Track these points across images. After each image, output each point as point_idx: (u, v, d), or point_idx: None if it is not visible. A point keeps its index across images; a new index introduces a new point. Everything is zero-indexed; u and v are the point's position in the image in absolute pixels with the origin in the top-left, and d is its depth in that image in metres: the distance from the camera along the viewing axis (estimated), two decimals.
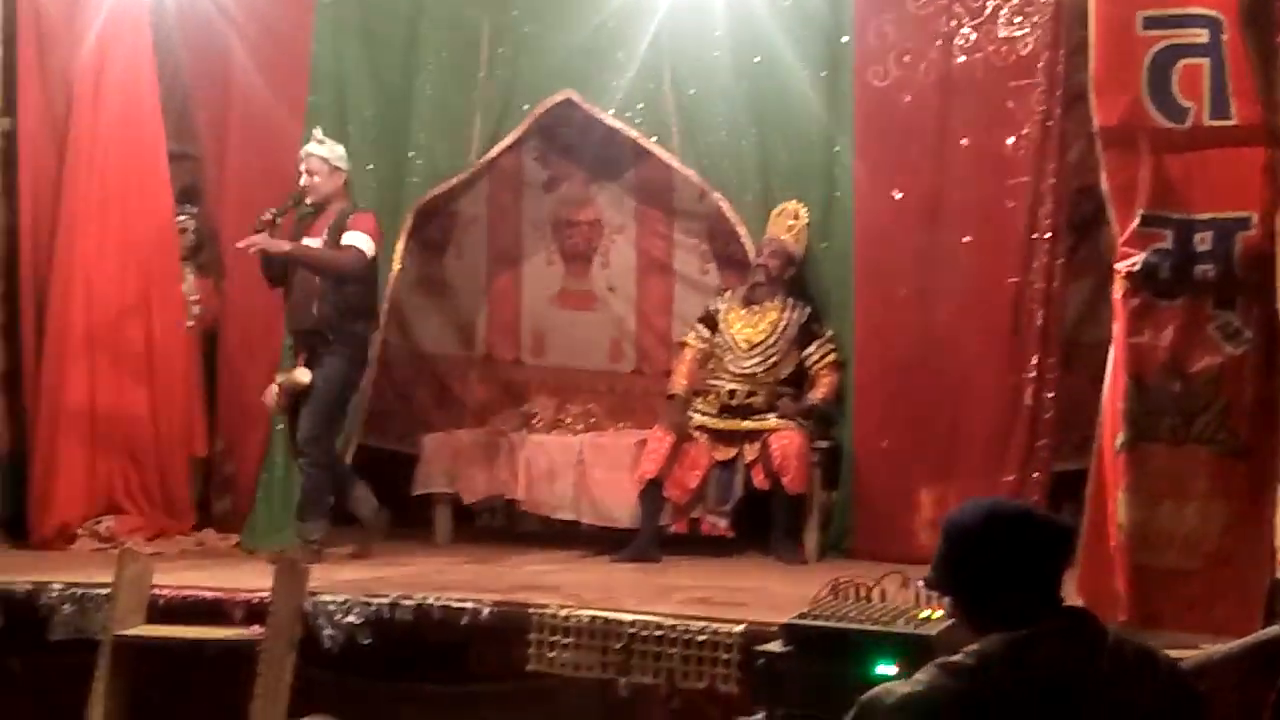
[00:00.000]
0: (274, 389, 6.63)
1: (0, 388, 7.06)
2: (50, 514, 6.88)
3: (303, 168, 6.59)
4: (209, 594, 5.57)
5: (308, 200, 6.61)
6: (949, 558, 2.85)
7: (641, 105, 6.96)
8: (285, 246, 6.50)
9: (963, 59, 6.54)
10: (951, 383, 6.52)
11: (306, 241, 6.57)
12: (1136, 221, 4.69)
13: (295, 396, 6.57)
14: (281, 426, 6.89)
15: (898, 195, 6.66)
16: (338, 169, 6.61)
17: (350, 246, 6.48)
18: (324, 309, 6.51)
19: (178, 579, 5.72)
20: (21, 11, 7.04)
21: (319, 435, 6.51)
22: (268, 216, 6.49)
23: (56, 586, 5.63)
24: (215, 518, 7.37)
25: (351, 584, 5.65)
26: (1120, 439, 4.66)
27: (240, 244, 6.58)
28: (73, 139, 7.08)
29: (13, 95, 7.08)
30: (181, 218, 7.42)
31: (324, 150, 6.61)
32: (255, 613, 5.32)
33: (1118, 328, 4.75)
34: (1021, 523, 2.85)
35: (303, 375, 6.53)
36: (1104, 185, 4.98)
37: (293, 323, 6.69)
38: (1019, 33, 6.45)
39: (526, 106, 7.09)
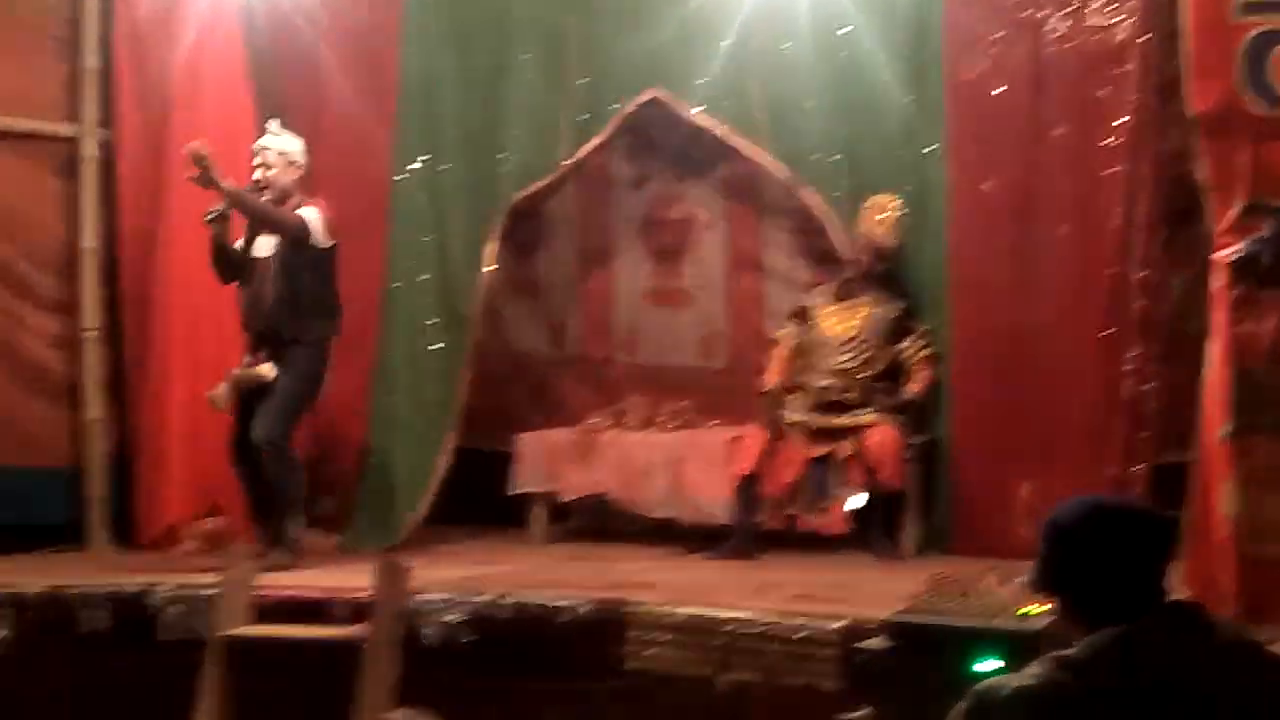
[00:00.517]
0: (224, 386, 6.46)
1: (104, 392, 7.19)
2: (156, 516, 7.02)
3: (257, 160, 6.50)
4: (312, 594, 5.64)
5: (264, 195, 6.49)
6: (1050, 558, 2.84)
7: (728, 102, 6.95)
8: (230, 184, 6.28)
9: (1054, 49, 6.45)
10: (1049, 376, 6.45)
11: (260, 242, 6.48)
12: (1235, 210, 4.63)
13: (250, 394, 6.41)
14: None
15: (990, 188, 6.59)
16: (294, 163, 6.51)
17: (298, 215, 6.34)
18: (279, 307, 6.40)
19: (282, 579, 5.80)
20: (118, 23, 7.18)
21: (283, 433, 6.36)
22: (214, 214, 6.37)
23: (164, 587, 5.73)
24: (318, 518, 7.46)
25: (452, 583, 5.70)
26: (1224, 430, 4.61)
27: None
28: (169, 147, 7.18)
29: (110, 106, 7.22)
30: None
31: (280, 143, 6.51)
32: (358, 612, 5.38)
33: (1219, 318, 4.70)
34: (1122, 519, 2.83)
35: (268, 370, 6.38)
36: (1201, 174, 4.92)
37: (248, 321, 6.54)
38: (1111, 21, 6.35)
39: (614, 106, 7.10)
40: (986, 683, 2.75)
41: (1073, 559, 2.80)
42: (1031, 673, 2.68)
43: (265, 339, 6.50)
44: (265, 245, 6.52)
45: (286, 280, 6.43)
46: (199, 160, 6.13)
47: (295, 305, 6.44)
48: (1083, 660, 2.66)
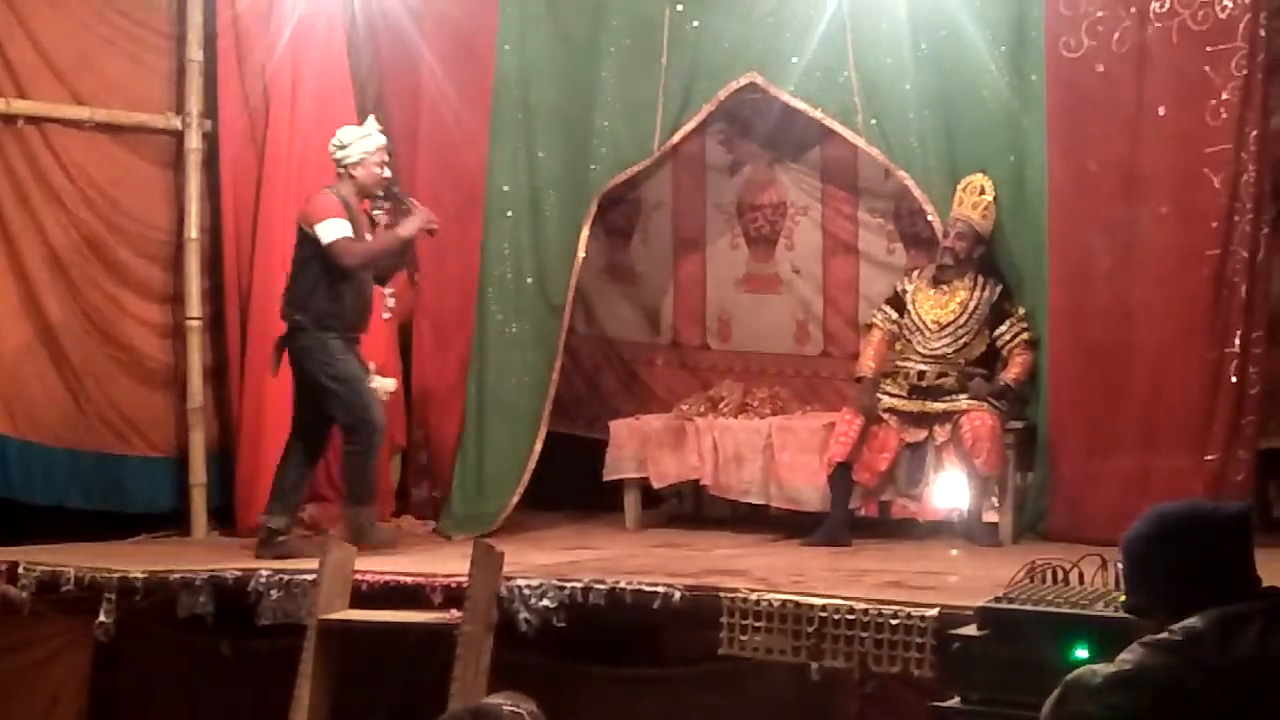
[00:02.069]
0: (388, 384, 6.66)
1: (208, 383, 7.32)
2: (257, 504, 7.11)
3: (380, 159, 6.51)
4: (409, 579, 5.69)
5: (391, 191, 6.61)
6: (1135, 574, 2.83)
7: (825, 85, 6.88)
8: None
9: (1157, 25, 6.32)
10: (1150, 360, 6.32)
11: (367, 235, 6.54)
12: None
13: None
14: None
15: (1092, 168, 6.48)
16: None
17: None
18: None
19: (379, 565, 5.85)
20: (220, 17, 7.28)
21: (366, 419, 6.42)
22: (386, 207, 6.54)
23: (264, 573, 5.80)
24: (413, 504, 7.54)
25: (545, 568, 5.73)
26: None
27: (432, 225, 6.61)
28: (270, 139, 7.30)
29: (213, 98, 7.33)
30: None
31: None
32: (453, 597, 5.42)
33: None
34: (1192, 520, 2.81)
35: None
36: None
37: (360, 324, 6.56)
38: None
39: (709, 90, 7.08)
40: (1078, 672, 2.73)
41: (1155, 568, 2.79)
42: (1124, 658, 2.67)
43: (358, 340, 6.60)
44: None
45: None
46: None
47: None
48: (1179, 642, 2.63)
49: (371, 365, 6.66)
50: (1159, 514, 2.87)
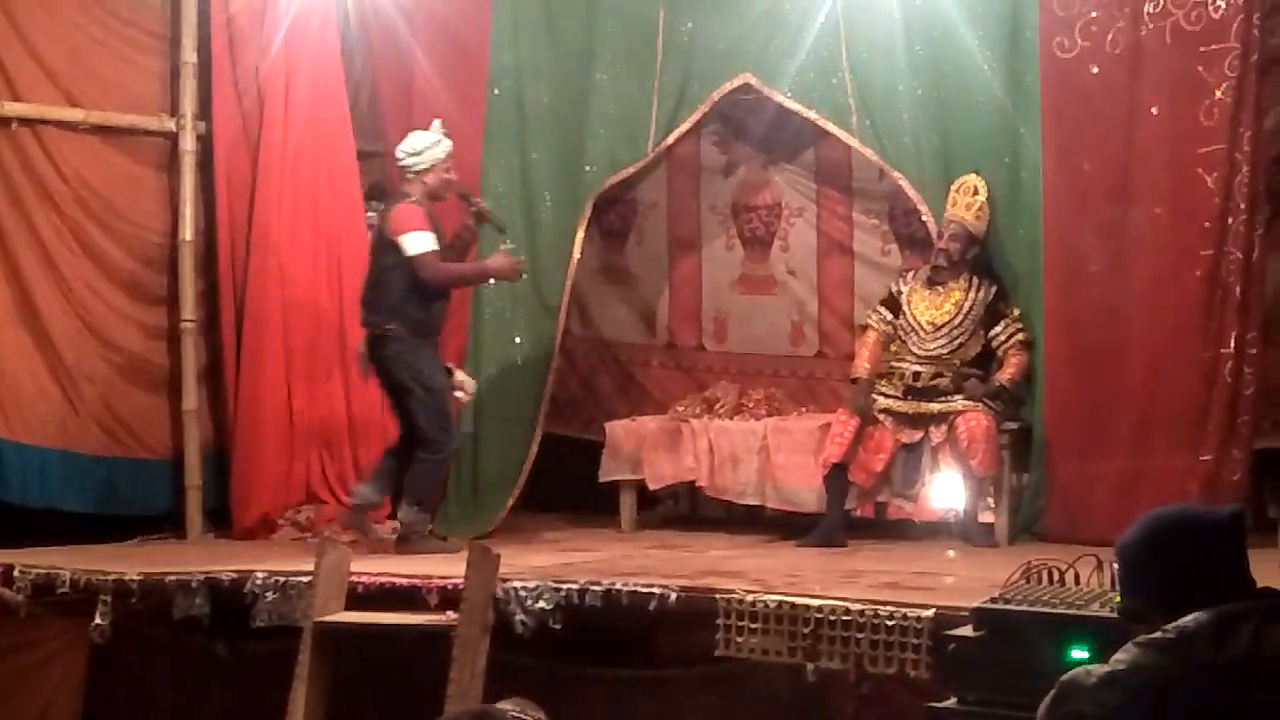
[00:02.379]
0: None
1: (202, 383, 7.31)
2: (252, 505, 7.13)
3: (450, 164, 6.58)
4: (405, 581, 5.67)
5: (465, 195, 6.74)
6: (1129, 580, 2.85)
7: (819, 86, 6.90)
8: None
9: (1151, 26, 6.32)
10: (1145, 360, 6.33)
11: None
12: None
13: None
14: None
15: (1086, 168, 6.48)
16: None
17: None
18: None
19: (375, 566, 5.85)
20: (214, 19, 7.27)
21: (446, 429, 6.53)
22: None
23: (260, 575, 5.78)
24: None
25: (541, 570, 5.72)
26: None
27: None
28: (264, 140, 7.30)
29: (207, 99, 7.32)
30: (370, 214, 7.60)
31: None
32: (449, 599, 5.41)
33: None
34: (1184, 524, 2.83)
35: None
36: None
37: (441, 329, 6.69)
38: None
39: (704, 91, 7.09)
40: (1073, 672, 2.75)
41: (1149, 573, 2.82)
42: (1119, 658, 2.69)
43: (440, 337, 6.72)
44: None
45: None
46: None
47: None
48: (1172, 640, 2.65)
49: (451, 366, 6.74)
50: (1151, 519, 2.88)
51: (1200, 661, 2.63)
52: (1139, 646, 2.69)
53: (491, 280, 6.78)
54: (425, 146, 6.51)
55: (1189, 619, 2.68)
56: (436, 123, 6.63)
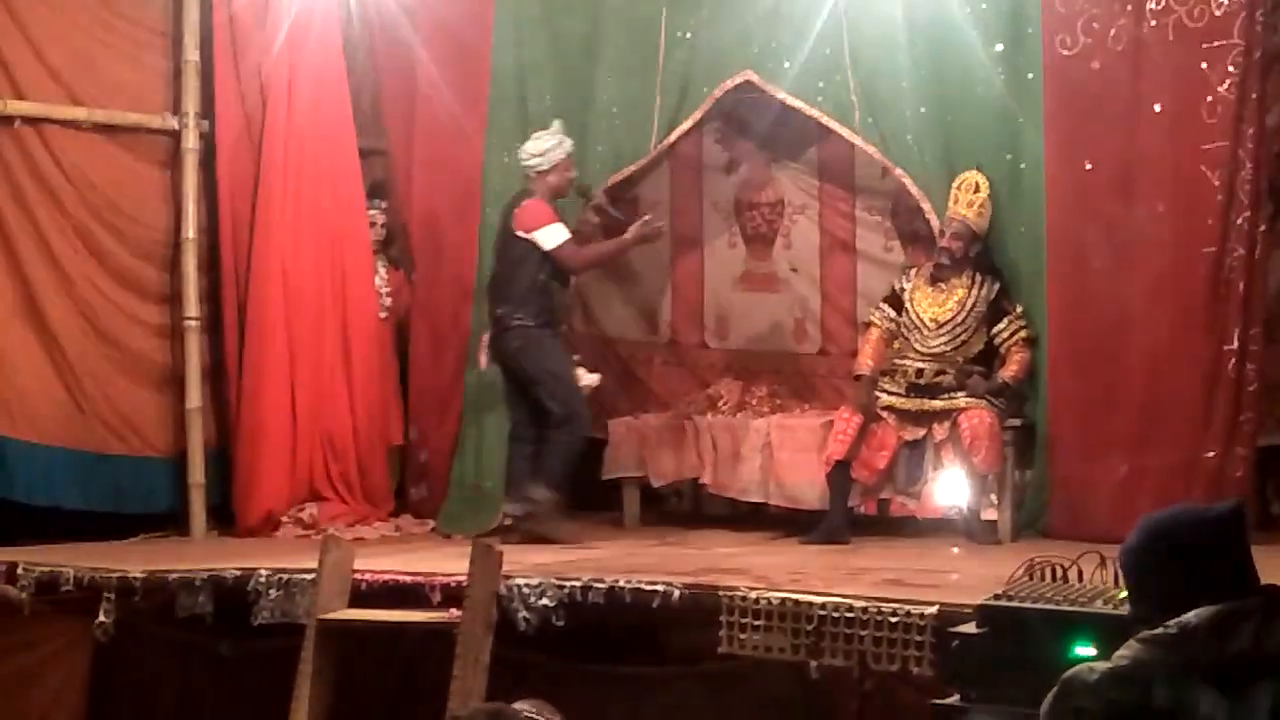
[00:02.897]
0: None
1: (205, 381, 7.31)
2: (255, 502, 7.13)
3: (570, 162, 6.83)
4: (408, 578, 5.68)
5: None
6: (1132, 585, 2.86)
7: (821, 83, 6.88)
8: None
9: (1153, 23, 6.32)
10: (1148, 357, 6.33)
11: None
12: None
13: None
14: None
15: (1088, 165, 6.48)
16: None
17: None
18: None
19: (378, 564, 5.85)
20: (216, 16, 7.28)
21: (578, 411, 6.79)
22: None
23: (263, 572, 5.79)
24: (412, 504, 7.55)
25: (544, 567, 5.73)
26: None
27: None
28: (267, 138, 7.30)
29: (210, 98, 7.32)
30: (372, 212, 7.61)
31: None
32: (452, 596, 5.41)
33: None
34: (1180, 525, 2.83)
35: None
36: None
37: (566, 318, 7.05)
38: None
39: (706, 89, 7.08)
40: (1075, 669, 2.75)
41: (1150, 578, 2.81)
42: (1121, 654, 2.69)
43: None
44: None
45: None
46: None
47: None
48: (1174, 636, 2.65)
49: (575, 358, 6.94)
50: (1151, 522, 2.88)
51: (1199, 658, 2.63)
52: (1141, 643, 2.70)
53: (632, 240, 6.94)
54: (548, 148, 6.77)
55: (1191, 614, 2.68)
56: (557, 123, 6.85)
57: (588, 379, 6.89)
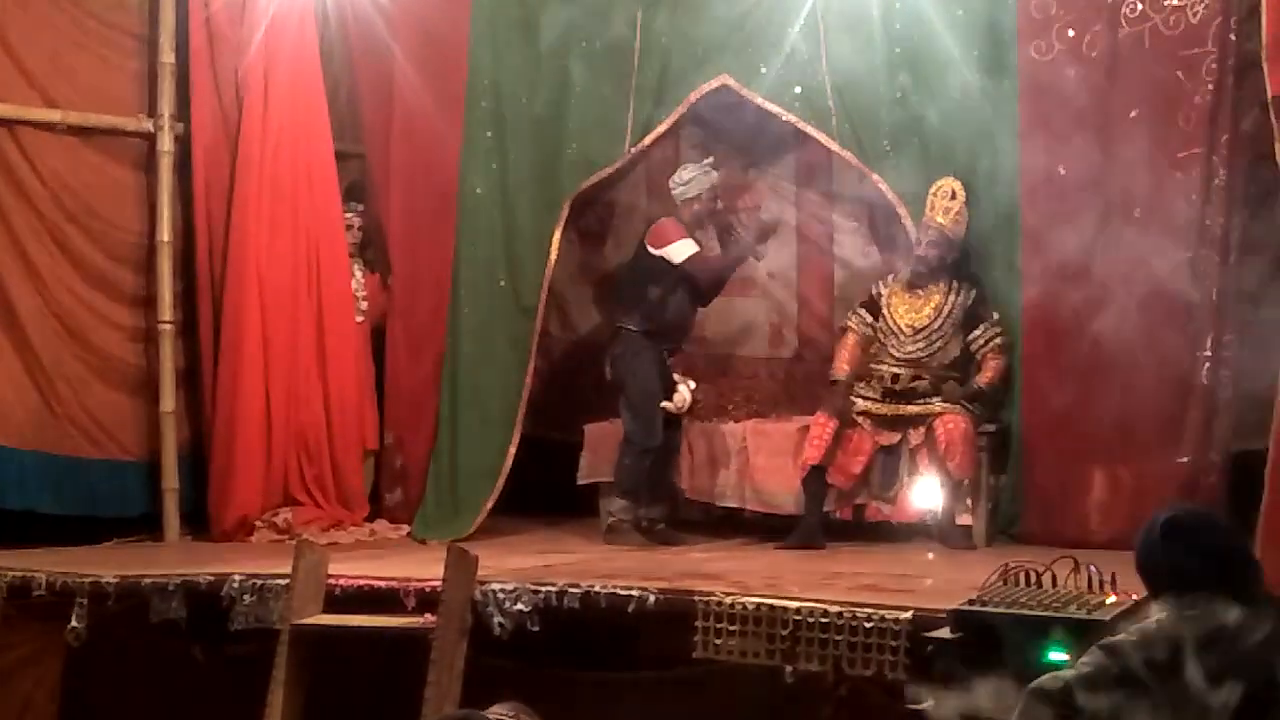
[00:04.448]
0: (688, 393, 7.03)
1: (179, 385, 7.27)
2: (230, 507, 7.09)
3: (715, 195, 7.10)
4: (383, 583, 5.66)
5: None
6: (1144, 581, 2.88)
7: (798, 89, 6.90)
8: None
9: (1129, 30, 6.36)
10: (1123, 363, 6.35)
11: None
12: None
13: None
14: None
15: (1064, 172, 6.50)
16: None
17: None
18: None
19: (352, 569, 5.83)
20: (192, 18, 7.25)
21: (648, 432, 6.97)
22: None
23: (237, 577, 5.77)
24: (387, 509, 7.52)
25: (520, 572, 5.71)
26: None
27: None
28: (243, 141, 7.27)
29: (185, 100, 7.29)
30: (349, 215, 7.58)
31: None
32: (427, 601, 5.40)
33: None
34: (1199, 521, 2.85)
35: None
36: (1279, 156, 4.81)
37: (676, 338, 7.17)
38: (1187, 0, 6.24)
39: (681, 94, 7.09)
40: (1040, 679, 2.78)
41: (1152, 573, 2.84)
42: (1084, 660, 2.73)
43: (679, 348, 7.26)
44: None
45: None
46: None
47: None
48: (1133, 642, 2.68)
49: (678, 377, 7.06)
50: (1162, 517, 2.88)
51: (1156, 664, 2.65)
52: (1100, 649, 2.73)
53: (742, 255, 7.19)
54: (692, 177, 7.03)
55: (1150, 620, 2.71)
56: (710, 159, 7.14)
57: (677, 396, 6.99)
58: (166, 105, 7.25)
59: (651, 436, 6.95)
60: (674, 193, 7.06)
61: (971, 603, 3.97)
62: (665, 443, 7.00)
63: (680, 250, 6.95)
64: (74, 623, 5.86)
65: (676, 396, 6.99)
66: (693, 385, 7.09)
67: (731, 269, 7.24)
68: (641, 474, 6.95)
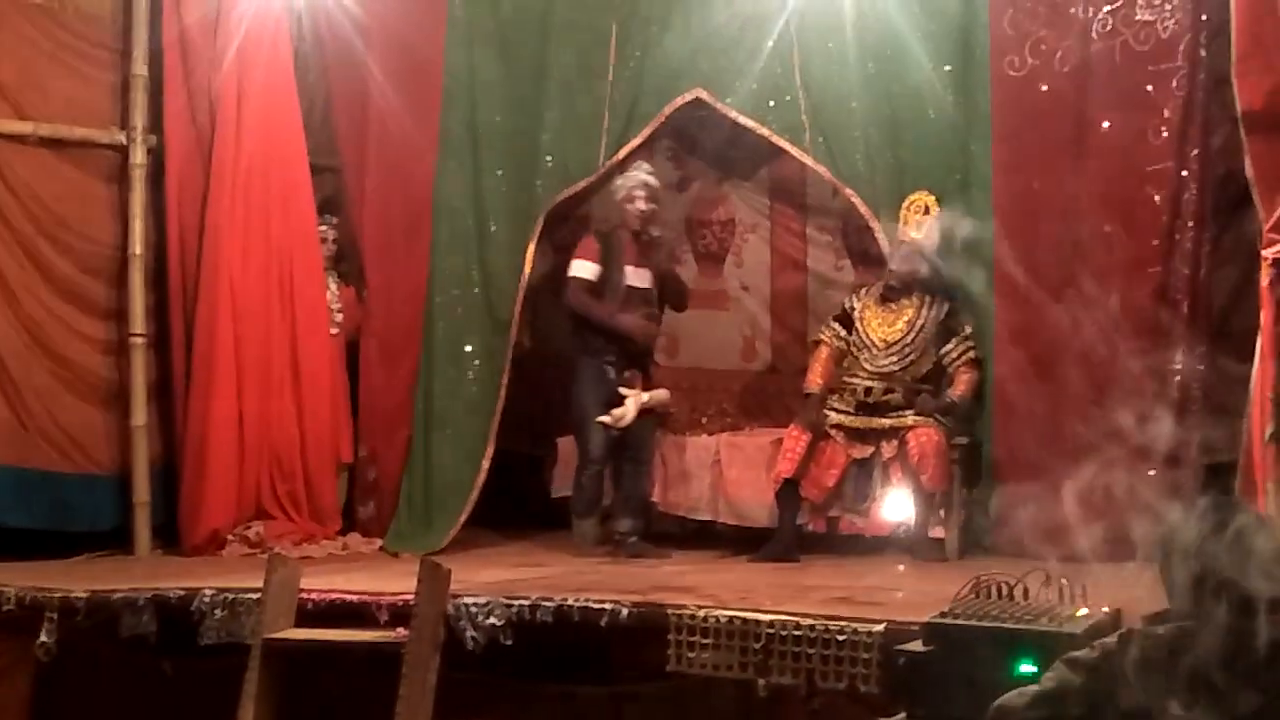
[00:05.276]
0: (631, 407, 6.85)
1: (151, 398, 7.23)
2: (201, 521, 7.06)
3: (640, 194, 6.89)
4: (355, 597, 5.64)
5: (647, 228, 6.98)
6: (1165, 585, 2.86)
7: (772, 102, 6.92)
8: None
9: (1100, 45, 6.40)
10: (1094, 375, 6.37)
11: (631, 270, 6.95)
12: None
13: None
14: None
15: (1036, 185, 6.53)
16: (660, 195, 7.07)
17: (686, 285, 7.22)
18: (654, 335, 7.09)
19: (325, 583, 5.81)
20: (166, 31, 7.23)
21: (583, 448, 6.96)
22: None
23: (208, 591, 5.74)
24: (360, 522, 7.50)
25: (492, 586, 5.70)
26: (1270, 430, 4.54)
27: None
28: (217, 154, 7.25)
29: (158, 113, 7.27)
30: (323, 228, 7.57)
31: (655, 179, 6.99)
32: (399, 615, 5.38)
33: (1265, 316, 4.63)
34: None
35: (666, 395, 7.03)
36: (1248, 170, 4.85)
37: (622, 346, 6.95)
38: (1159, 15, 6.29)
39: (656, 107, 7.10)
40: (1006, 695, 2.79)
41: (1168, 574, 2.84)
42: (1048, 676, 2.75)
43: (637, 361, 7.01)
44: (640, 277, 6.96)
45: (664, 309, 7.11)
46: None
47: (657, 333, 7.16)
48: (1095, 659, 2.70)
49: (625, 392, 6.91)
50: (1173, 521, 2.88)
51: (1117, 680, 2.66)
52: (1065, 664, 2.74)
53: (620, 328, 6.95)
54: (626, 176, 7.01)
55: (1111, 638, 2.73)
56: (645, 164, 7.10)
57: (615, 413, 6.87)
58: (139, 117, 7.22)
59: (587, 452, 6.92)
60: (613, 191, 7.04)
61: (943, 615, 3.98)
62: (635, 456, 6.96)
63: (574, 267, 6.96)
64: (44, 637, 5.81)
65: (616, 411, 6.88)
66: (645, 398, 6.92)
67: (589, 318, 6.96)
68: (587, 489, 6.95)
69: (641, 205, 6.91)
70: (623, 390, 6.92)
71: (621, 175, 6.99)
